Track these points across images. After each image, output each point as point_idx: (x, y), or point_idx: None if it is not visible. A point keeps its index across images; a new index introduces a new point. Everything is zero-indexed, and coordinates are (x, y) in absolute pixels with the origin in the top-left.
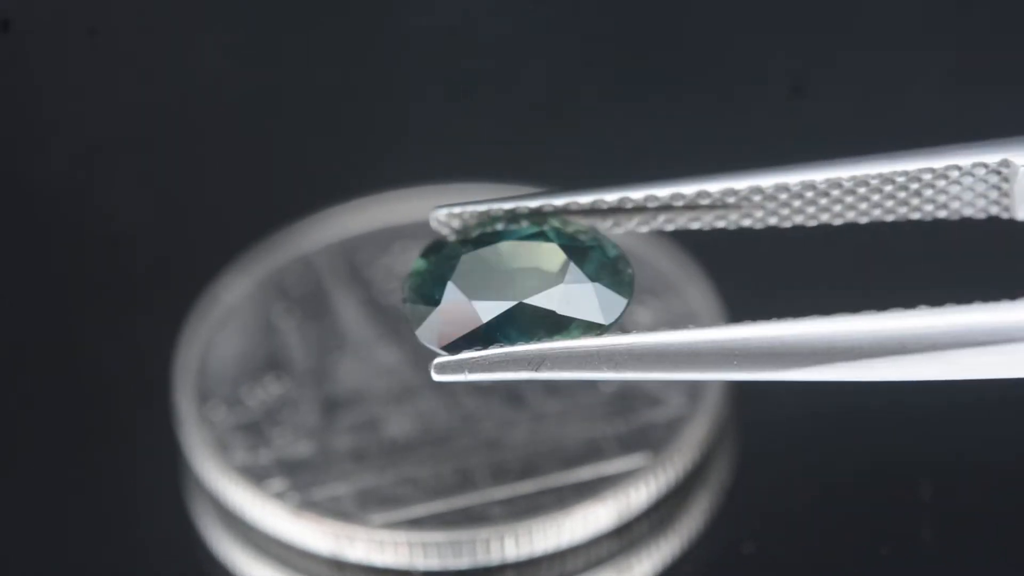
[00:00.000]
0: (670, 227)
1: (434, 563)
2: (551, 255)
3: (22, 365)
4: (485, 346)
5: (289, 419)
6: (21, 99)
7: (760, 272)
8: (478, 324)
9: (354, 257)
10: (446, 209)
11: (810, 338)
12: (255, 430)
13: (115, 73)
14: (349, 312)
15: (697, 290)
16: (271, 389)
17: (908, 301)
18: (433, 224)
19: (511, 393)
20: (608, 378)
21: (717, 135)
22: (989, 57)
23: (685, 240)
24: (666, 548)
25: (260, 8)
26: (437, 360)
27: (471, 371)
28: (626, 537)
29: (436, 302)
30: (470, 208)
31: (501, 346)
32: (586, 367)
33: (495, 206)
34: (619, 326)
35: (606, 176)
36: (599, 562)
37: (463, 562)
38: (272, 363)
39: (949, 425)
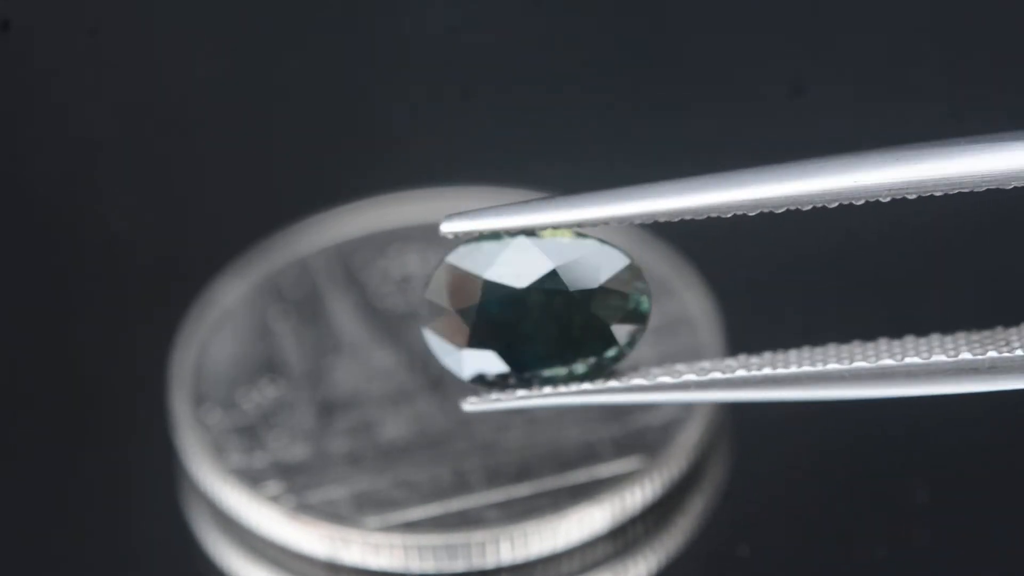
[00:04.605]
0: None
1: (429, 566)
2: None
3: (18, 367)
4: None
5: (285, 422)
6: (21, 99)
7: (755, 275)
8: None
9: (350, 260)
10: (456, 224)
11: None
12: (251, 433)
13: (115, 73)
14: (345, 315)
15: (692, 294)
16: (267, 392)
17: (904, 301)
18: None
19: None
20: (628, 402)
21: (718, 136)
22: (988, 58)
23: (680, 243)
24: (661, 551)
25: (258, 10)
26: (469, 401)
27: (499, 403)
28: (621, 540)
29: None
30: (479, 224)
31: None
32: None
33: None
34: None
35: (601, 178)
36: (594, 565)
37: (458, 565)
38: (268, 366)
39: (944, 427)
